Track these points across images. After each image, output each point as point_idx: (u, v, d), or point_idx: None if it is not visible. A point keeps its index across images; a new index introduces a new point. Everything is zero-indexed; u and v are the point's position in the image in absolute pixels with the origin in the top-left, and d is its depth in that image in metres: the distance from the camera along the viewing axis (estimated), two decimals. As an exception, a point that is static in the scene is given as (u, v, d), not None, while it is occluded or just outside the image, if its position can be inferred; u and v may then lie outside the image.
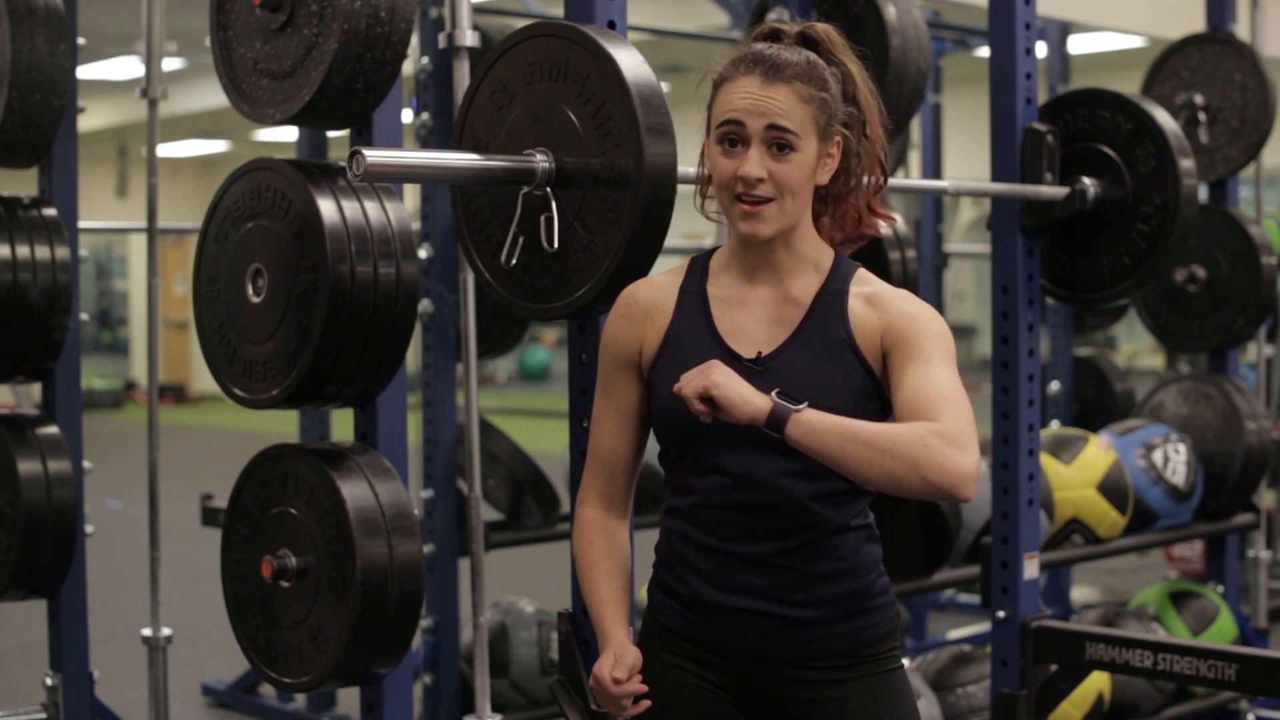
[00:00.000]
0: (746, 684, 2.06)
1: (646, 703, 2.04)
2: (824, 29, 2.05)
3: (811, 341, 2.01)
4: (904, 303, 2.03)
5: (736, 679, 2.06)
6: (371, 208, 2.54)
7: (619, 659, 2.04)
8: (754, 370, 2.00)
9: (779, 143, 1.97)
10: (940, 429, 1.85)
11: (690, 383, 1.90)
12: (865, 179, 2.08)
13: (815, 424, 1.87)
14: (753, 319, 2.04)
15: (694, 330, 2.05)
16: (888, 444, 1.84)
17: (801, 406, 1.88)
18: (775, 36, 2.05)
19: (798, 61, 1.99)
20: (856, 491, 2.04)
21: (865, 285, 2.06)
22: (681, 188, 2.26)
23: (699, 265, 2.11)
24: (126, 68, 11.95)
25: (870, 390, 2.01)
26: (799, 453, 1.91)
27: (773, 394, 1.91)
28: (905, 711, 2.08)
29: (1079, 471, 4.00)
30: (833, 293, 2.04)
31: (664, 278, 2.13)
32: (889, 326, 2.00)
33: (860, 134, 2.05)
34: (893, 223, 2.16)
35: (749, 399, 1.88)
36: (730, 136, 1.99)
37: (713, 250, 2.13)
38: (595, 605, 2.11)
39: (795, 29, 2.05)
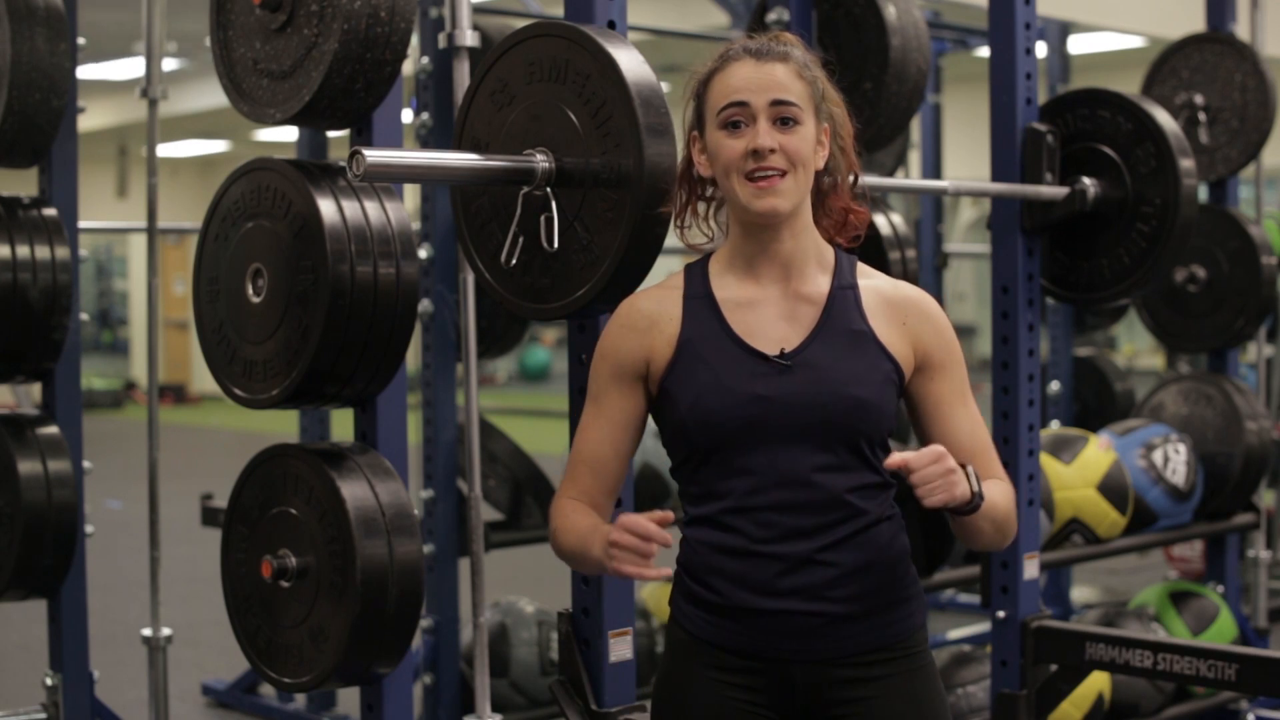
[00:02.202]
0: (786, 688, 2.02)
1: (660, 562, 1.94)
2: (796, 40, 2.08)
3: (836, 336, 2.02)
4: (923, 309, 2.08)
5: (775, 683, 2.02)
6: (371, 208, 2.53)
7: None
8: (783, 366, 2.00)
9: (783, 116, 1.99)
10: (1013, 495, 2.08)
11: (936, 495, 1.89)
12: (843, 177, 2.10)
13: (986, 507, 1.99)
14: (766, 318, 2.03)
15: (709, 334, 2.03)
16: (1008, 525, 2.06)
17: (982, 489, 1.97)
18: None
19: (784, 48, 2.04)
20: (885, 483, 2.04)
21: (870, 278, 2.09)
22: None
23: (697, 271, 2.09)
24: (126, 68, 11.95)
25: (893, 381, 2.04)
26: (831, 447, 1.98)
27: (969, 474, 1.94)
28: (940, 706, 2.10)
29: (1079, 471, 4.00)
30: (845, 287, 2.05)
31: (662, 288, 2.10)
32: (920, 340, 2.06)
33: (836, 138, 2.08)
34: (865, 221, 2.16)
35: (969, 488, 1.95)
36: (733, 119, 2.00)
37: (708, 256, 2.11)
38: (579, 537, 2.02)
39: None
